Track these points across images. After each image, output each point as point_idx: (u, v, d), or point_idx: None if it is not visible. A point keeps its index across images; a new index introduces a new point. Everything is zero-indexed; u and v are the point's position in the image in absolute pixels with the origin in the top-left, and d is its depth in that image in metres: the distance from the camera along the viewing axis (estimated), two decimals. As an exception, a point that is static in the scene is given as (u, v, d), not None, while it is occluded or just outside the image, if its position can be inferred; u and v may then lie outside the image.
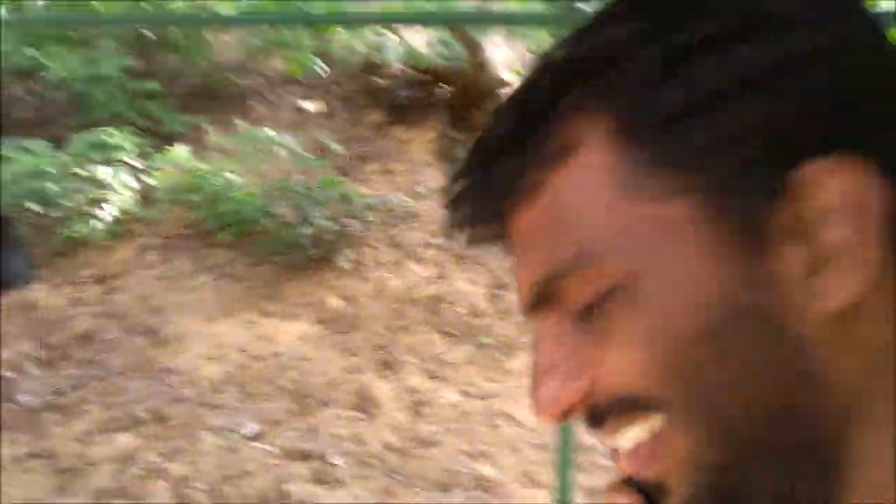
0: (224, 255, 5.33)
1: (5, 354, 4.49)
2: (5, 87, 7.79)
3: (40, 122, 7.51)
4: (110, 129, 5.81)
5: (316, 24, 6.64)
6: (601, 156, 0.36)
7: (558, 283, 0.38)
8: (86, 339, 4.57)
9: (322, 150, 6.33)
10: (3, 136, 6.83)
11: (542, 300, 0.39)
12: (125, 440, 3.62)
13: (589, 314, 0.37)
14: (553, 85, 0.38)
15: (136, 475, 3.36)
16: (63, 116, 7.25)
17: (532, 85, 0.40)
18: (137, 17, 7.04)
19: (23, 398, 4.05)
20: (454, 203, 0.41)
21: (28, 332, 4.70)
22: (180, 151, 5.85)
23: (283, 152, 5.95)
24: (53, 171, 5.56)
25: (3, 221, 2.81)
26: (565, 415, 0.40)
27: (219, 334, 4.53)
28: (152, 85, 6.62)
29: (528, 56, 6.98)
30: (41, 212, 5.85)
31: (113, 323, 4.71)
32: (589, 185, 0.37)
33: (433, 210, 5.96)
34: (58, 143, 6.07)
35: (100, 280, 5.27)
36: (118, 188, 5.62)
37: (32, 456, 3.57)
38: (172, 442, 3.61)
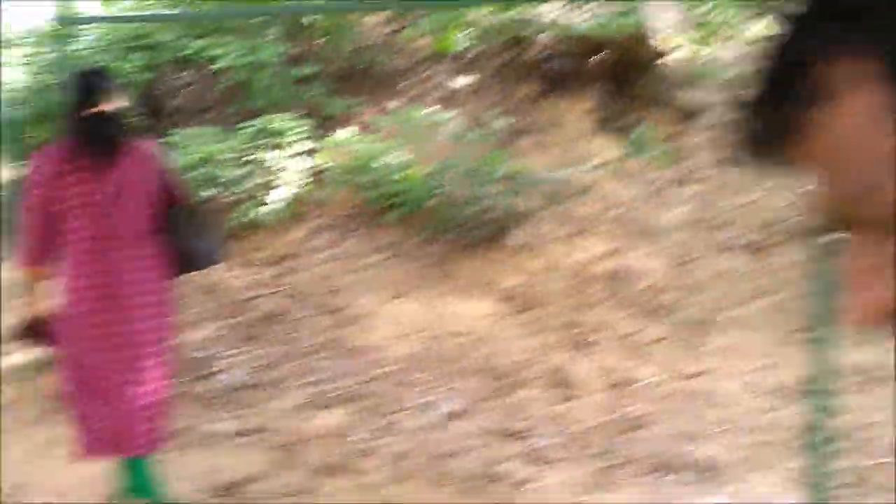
0: (394, 235, 5.34)
1: (200, 334, 4.65)
2: (173, 77, 8.11)
3: (206, 111, 7.78)
4: (278, 115, 5.92)
5: (464, 5, 6.55)
6: (870, 95, 0.42)
7: (857, 204, 0.44)
8: (272, 318, 4.66)
9: (478, 126, 6.24)
10: (174, 125, 7.10)
11: (842, 219, 0.46)
12: (332, 417, 3.66)
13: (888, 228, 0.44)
14: (819, 34, 0.44)
15: (350, 452, 3.38)
16: (226, 104, 7.48)
17: (797, 35, 0.45)
18: (291, 7, 7.15)
19: (222, 377, 4.16)
20: (744, 139, 0.48)
21: (216, 313, 4.85)
22: (347, 133, 5.90)
23: (443, 130, 5.90)
24: (225, 157, 5.71)
25: (195, 205, 2.92)
26: (885, 319, 0.45)
27: (400, 313, 4.53)
28: (310, 69, 6.70)
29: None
30: (215, 197, 6.04)
31: (295, 303, 4.79)
32: (865, 119, 0.43)
33: (601, 183, 5.79)
34: (224, 130, 6.25)
35: (275, 262, 5.38)
36: (288, 172, 5.72)
37: (245, 433, 3.65)
38: (377, 419, 3.62)
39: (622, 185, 5.91)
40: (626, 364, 4.03)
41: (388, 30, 8.40)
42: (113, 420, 2.59)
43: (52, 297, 2.65)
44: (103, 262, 2.53)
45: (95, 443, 2.62)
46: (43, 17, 8.71)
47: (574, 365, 4.01)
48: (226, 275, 5.28)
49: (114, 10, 8.20)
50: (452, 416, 3.62)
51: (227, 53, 6.38)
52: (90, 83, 2.62)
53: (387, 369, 4.00)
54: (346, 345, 4.26)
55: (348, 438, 3.49)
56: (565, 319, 4.43)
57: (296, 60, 6.94)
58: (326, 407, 3.76)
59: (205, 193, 5.86)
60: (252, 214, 5.53)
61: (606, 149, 6.37)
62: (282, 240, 5.58)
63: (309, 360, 4.17)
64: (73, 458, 2.71)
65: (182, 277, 2.80)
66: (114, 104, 2.62)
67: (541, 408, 3.69)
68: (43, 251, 2.54)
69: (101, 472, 3.00)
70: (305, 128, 5.99)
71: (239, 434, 3.63)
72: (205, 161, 5.67)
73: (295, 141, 5.87)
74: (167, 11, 7.66)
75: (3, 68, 7.89)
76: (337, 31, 7.20)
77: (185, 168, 5.52)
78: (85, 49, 6.14)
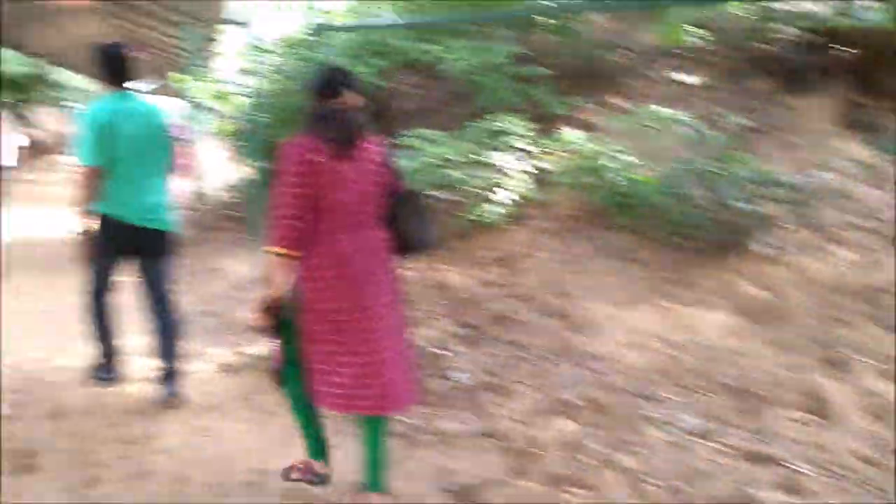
0: (624, 239, 5.19)
1: (430, 332, 4.76)
2: (401, 81, 8.43)
3: (431, 113, 8.01)
4: (503, 115, 5.94)
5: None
6: None
7: None
8: (501, 319, 4.68)
9: (711, 125, 5.91)
10: (402, 127, 7.35)
11: None
12: (566, 425, 3.60)
13: None
14: None
15: (586, 463, 3.30)
16: (451, 106, 7.65)
17: None
18: (522, 9, 7.18)
19: (456, 375, 4.23)
20: None
21: (446, 311, 4.95)
22: (572, 134, 5.81)
23: (673, 129, 5.65)
24: (455, 158, 5.81)
25: (415, 195, 3.12)
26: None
27: (633, 320, 4.38)
28: (540, 70, 6.68)
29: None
30: (445, 197, 6.17)
31: (523, 305, 4.78)
32: None
33: (852, 187, 5.29)
34: (450, 131, 6.37)
35: (502, 262, 5.41)
36: (514, 173, 5.73)
37: (477, 434, 3.68)
38: (615, 431, 3.51)
39: (875, 189, 5.37)
40: (887, 388, 3.64)
41: (612, 26, 8.21)
42: (372, 379, 2.86)
43: (291, 279, 2.87)
44: (351, 241, 2.84)
45: (354, 400, 2.87)
46: (292, 26, 9.38)
47: (828, 387, 3.67)
48: (454, 274, 5.38)
49: (358, 20, 8.68)
50: (695, 433, 3.44)
51: (458, 56, 6.50)
52: (335, 78, 2.91)
53: (621, 380, 3.88)
54: (578, 351, 4.18)
55: (583, 449, 3.42)
56: (816, 336, 4.07)
57: (522, 60, 6.95)
58: (560, 414, 3.70)
59: (436, 193, 6.02)
60: (478, 214, 5.59)
61: (855, 150, 5.83)
62: (507, 240, 5.60)
63: (540, 365, 4.13)
64: (330, 409, 2.96)
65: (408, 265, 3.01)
66: (355, 99, 2.89)
67: (793, 431, 3.41)
68: (298, 234, 2.78)
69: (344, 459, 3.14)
70: (530, 128, 5.97)
71: (472, 435, 3.66)
72: (435, 162, 5.80)
73: (520, 141, 5.87)
74: (409, 20, 7.96)
75: (252, 75, 8.58)
76: (563, 30, 7.13)
77: (417, 169, 5.70)
78: (329, 56, 6.48)
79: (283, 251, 2.78)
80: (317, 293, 2.86)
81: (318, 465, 3.21)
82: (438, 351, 4.50)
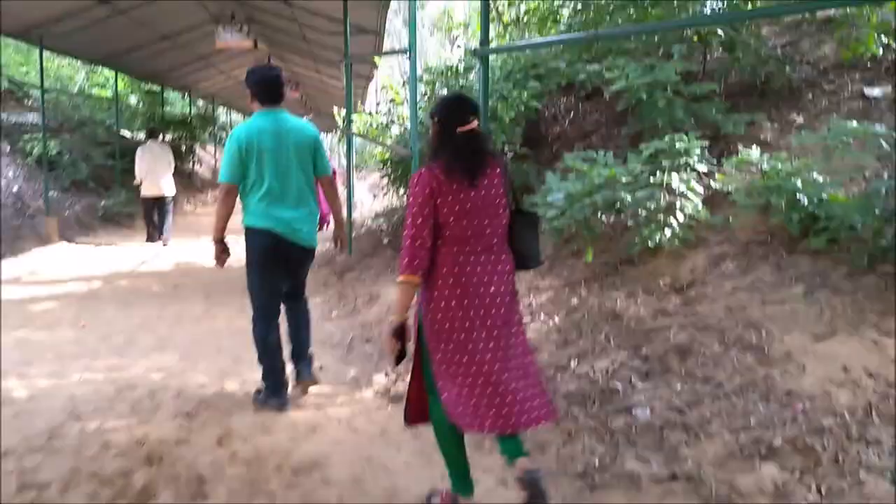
0: (817, 264, 4.75)
1: (603, 363, 4.52)
2: (562, 102, 8.29)
3: (589, 135, 7.80)
4: (673, 135, 5.64)
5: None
6: None
7: None
8: (683, 351, 4.36)
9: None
10: (564, 149, 7.19)
11: None
12: (769, 471, 3.25)
13: None
14: None
15: (799, 516, 2.96)
16: (615, 126, 7.41)
17: None
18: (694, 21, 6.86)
19: (637, 411, 3.96)
20: None
21: (621, 342, 4.69)
22: (751, 152, 5.43)
23: (864, 145, 5.15)
24: (624, 179, 5.57)
25: (530, 214, 3.26)
26: None
27: (836, 355, 3.96)
28: (709, 86, 6.34)
29: None
30: (613, 221, 5.93)
31: (707, 336, 4.44)
32: None
33: None
34: (615, 152, 6.12)
35: (679, 289, 5.09)
36: (688, 194, 5.42)
37: (666, 478, 3.40)
38: (827, 479, 3.14)
39: None
40: None
41: (786, 40, 7.73)
42: (503, 397, 2.92)
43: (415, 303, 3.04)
44: (478, 262, 2.95)
45: (486, 419, 2.91)
46: (451, 54, 9.49)
47: None
48: (627, 301, 5.12)
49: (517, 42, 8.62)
50: (927, 486, 3.02)
51: (623, 75, 6.26)
52: (462, 105, 3.02)
53: (830, 420, 3.48)
54: (775, 388, 3.80)
55: (793, 498, 3.07)
56: None
57: (691, 78, 6.63)
58: (761, 458, 3.35)
59: (603, 216, 5.79)
60: (650, 238, 5.31)
61: None
62: (684, 266, 5.28)
63: (734, 402, 3.79)
64: (465, 429, 2.99)
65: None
66: (478, 123, 3.01)
67: None
68: (426, 259, 2.90)
69: None
70: (703, 148, 5.64)
71: (659, 479, 3.39)
72: (602, 184, 5.58)
73: (693, 162, 5.55)
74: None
75: (408, 104, 8.68)
76: (734, 44, 6.74)
77: (583, 192, 5.49)
78: (489, 79, 6.42)
79: (408, 278, 2.89)
80: (444, 315, 2.93)
81: (462, 500, 3.17)
82: (615, 384, 4.25)
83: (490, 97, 6.50)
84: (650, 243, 5.30)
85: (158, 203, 12.13)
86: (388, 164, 9.33)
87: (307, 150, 4.39)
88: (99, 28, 11.90)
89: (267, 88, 4.32)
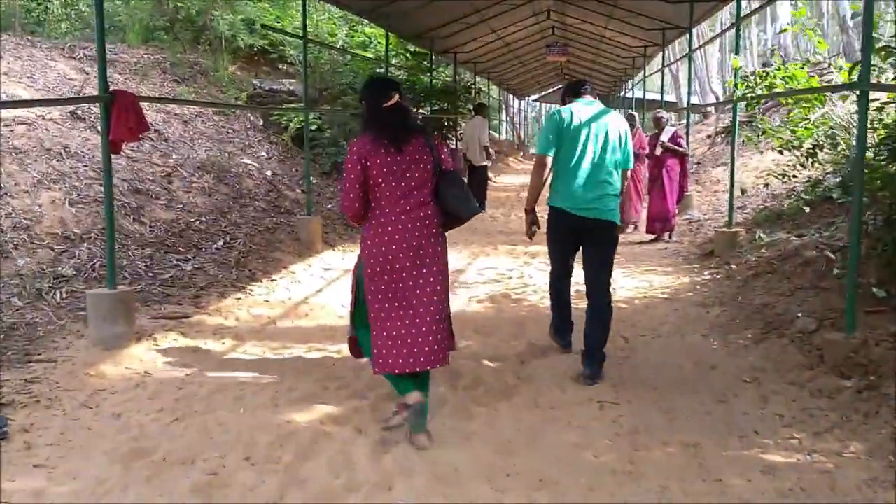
0: None
1: None
2: None
3: None
4: None
5: None
6: None
7: None
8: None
9: None
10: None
11: None
12: None
13: None
14: None
15: None
16: None
17: None
18: None
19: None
20: None
21: None
22: None
23: None
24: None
25: (454, 174, 3.85)
26: None
27: None
28: None
29: None
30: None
31: None
32: None
33: None
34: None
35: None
36: None
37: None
38: None
39: None
40: None
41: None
42: (417, 337, 3.61)
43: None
44: (406, 216, 3.60)
45: (399, 358, 3.61)
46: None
47: None
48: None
49: None
50: None
51: None
52: (385, 84, 3.78)
53: None
54: None
55: None
56: None
57: None
58: None
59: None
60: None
61: None
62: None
63: None
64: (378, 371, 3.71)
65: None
66: (402, 99, 3.71)
67: None
68: (362, 209, 3.66)
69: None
70: None
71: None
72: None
73: None
74: None
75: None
76: None
77: None
78: None
79: (352, 221, 3.77)
80: (375, 261, 3.60)
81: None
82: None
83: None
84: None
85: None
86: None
87: (613, 136, 4.65)
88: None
89: (573, 90, 4.94)
